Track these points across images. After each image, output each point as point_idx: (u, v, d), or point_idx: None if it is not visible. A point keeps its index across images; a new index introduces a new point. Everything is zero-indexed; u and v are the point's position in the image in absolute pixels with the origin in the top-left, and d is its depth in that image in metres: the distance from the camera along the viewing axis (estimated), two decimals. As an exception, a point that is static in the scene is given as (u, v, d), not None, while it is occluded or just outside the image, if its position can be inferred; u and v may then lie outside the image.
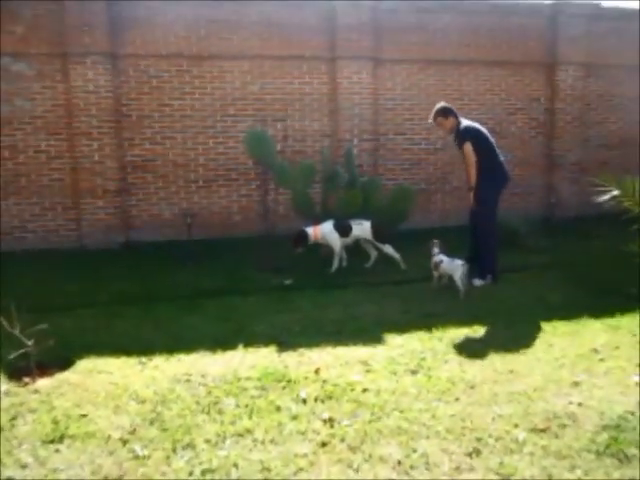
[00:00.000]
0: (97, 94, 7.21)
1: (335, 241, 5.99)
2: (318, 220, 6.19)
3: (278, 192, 7.34)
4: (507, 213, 7.47)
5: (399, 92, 8.33)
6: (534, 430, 2.81)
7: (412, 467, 2.54)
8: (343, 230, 6.01)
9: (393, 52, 8.17)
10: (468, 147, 5.56)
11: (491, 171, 5.59)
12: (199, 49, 7.56)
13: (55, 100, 7.25)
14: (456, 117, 5.77)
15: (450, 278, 5.20)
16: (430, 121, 5.96)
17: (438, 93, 8.22)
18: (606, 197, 5.02)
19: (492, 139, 5.75)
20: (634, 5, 16.71)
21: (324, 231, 5.99)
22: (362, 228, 6.02)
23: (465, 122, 5.75)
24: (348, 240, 6.07)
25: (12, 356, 3.45)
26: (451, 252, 5.34)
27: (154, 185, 7.71)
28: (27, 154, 7.25)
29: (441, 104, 5.90)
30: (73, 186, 7.40)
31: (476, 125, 5.76)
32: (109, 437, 2.80)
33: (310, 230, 5.97)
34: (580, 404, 3.08)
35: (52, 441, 2.77)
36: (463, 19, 8.36)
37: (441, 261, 5.27)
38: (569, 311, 4.66)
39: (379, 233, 6.03)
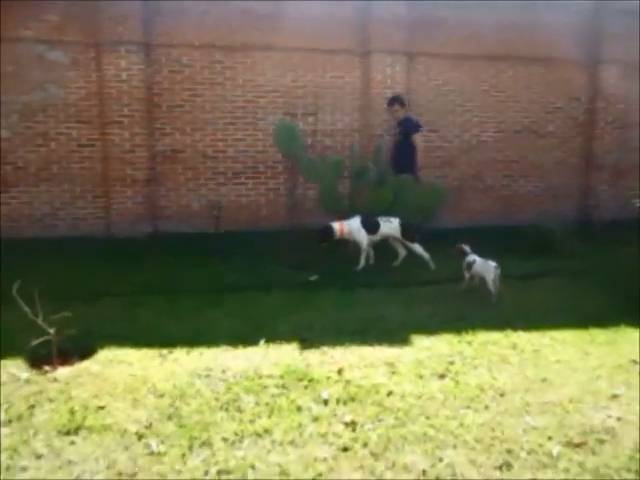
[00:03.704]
0: (129, 83, 7.19)
1: (362, 238, 5.85)
2: (345, 215, 6.06)
3: (306, 186, 7.23)
4: (543, 216, 7.25)
5: (432, 88, 8.13)
6: (569, 444, 2.65)
7: (438, 478, 2.41)
8: (371, 227, 5.86)
9: (427, 47, 7.95)
10: (418, 137, 6.90)
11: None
12: (231, 40, 7.48)
13: (88, 88, 7.25)
14: (406, 109, 7.08)
15: (482, 279, 5.02)
16: (385, 105, 7.20)
17: (473, 89, 8.01)
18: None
19: None
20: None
21: (351, 227, 5.86)
22: (391, 226, 5.87)
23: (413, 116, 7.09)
24: (376, 237, 5.93)
25: (34, 343, 3.42)
26: (479, 253, 5.16)
27: (183, 176, 7.68)
28: (59, 141, 7.28)
29: (398, 94, 7.21)
30: (103, 174, 7.41)
31: None
32: (125, 431, 2.73)
33: (336, 225, 5.84)
34: (619, 418, 2.90)
35: (68, 432, 2.72)
36: (500, 15, 8.08)
37: (474, 261, 5.09)
38: (606, 319, 4.44)
39: (408, 232, 5.88)
